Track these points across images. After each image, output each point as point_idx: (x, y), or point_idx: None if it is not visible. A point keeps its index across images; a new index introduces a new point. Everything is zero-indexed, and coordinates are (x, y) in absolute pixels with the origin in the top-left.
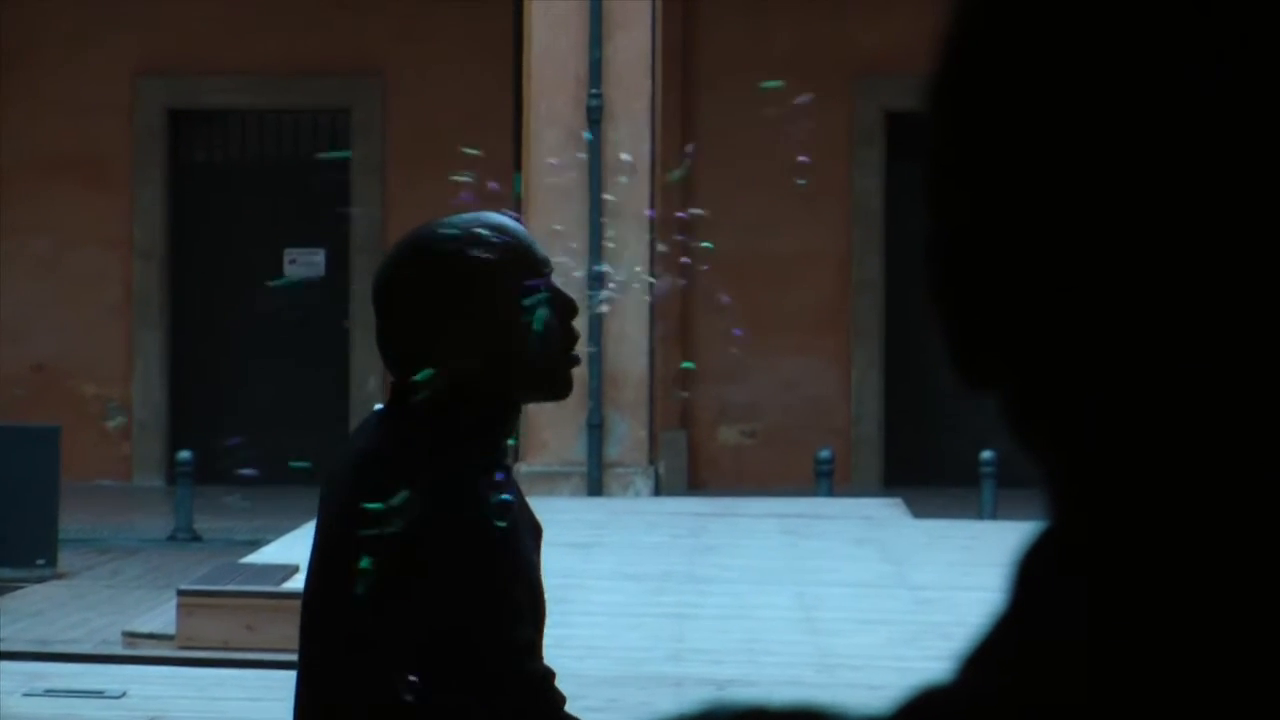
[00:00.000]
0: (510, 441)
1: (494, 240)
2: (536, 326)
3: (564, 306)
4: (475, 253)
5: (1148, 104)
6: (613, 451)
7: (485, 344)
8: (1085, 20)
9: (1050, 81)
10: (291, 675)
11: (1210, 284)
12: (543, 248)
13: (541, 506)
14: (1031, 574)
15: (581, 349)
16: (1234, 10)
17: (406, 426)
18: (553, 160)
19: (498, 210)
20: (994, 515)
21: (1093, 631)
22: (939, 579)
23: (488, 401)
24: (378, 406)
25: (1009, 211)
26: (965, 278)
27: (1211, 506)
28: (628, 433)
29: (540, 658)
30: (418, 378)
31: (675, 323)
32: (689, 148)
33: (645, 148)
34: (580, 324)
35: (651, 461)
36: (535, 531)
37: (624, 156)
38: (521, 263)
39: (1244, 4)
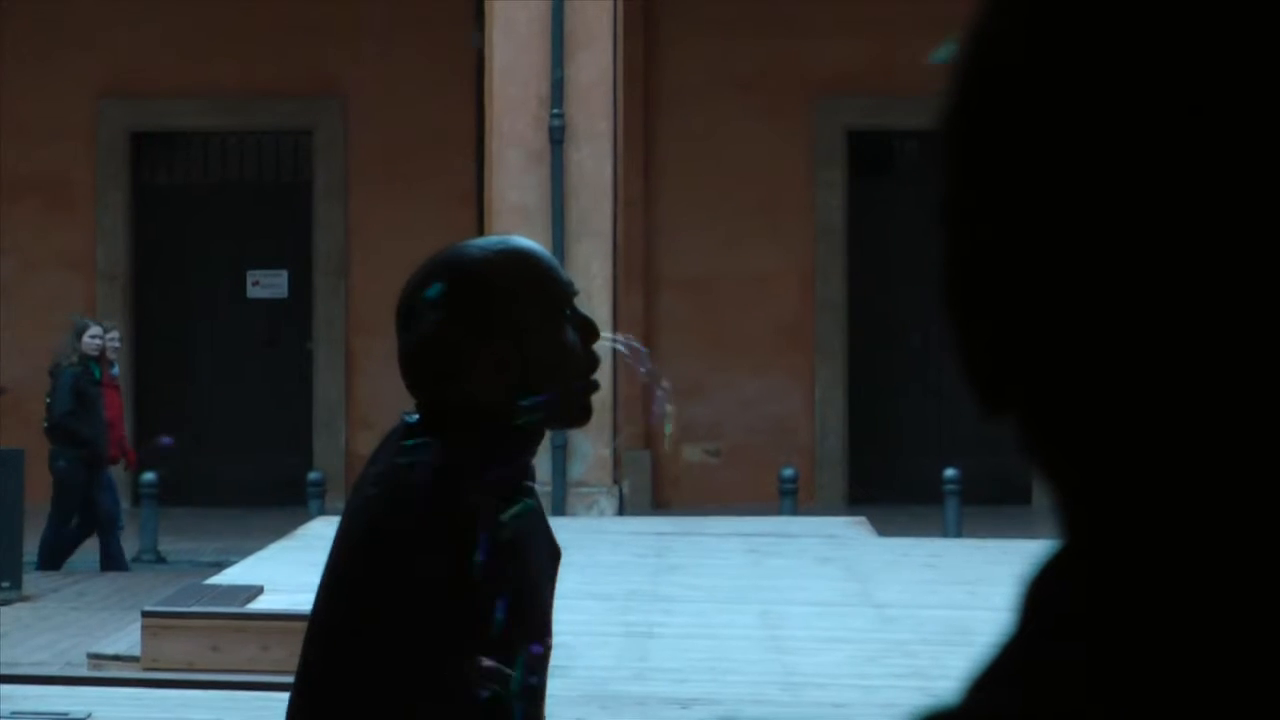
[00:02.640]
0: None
1: (521, 264)
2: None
3: (585, 329)
4: (503, 275)
5: (1172, 128)
6: (576, 471)
7: (510, 366)
8: (1112, 41)
9: (1073, 102)
10: (257, 695)
11: (1235, 305)
12: (567, 272)
13: None
14: (1042, 595)
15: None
16: (1256, 45)
17: (435, 450)
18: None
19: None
20: (958, 533)
21: (1105, 652)
22: (903, 597)
23: (513, 426)
24: (407, 417)
25: (1029, 232)
26: (983, 299)
27: (1233, 529)
28: (591, 452)
29: (540, 702)
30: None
31: (639, 340)
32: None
33: (607, 167)
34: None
35: (615, 481)
36: (554, 555)
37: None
38: (548, 287)
39: (1263, 43)
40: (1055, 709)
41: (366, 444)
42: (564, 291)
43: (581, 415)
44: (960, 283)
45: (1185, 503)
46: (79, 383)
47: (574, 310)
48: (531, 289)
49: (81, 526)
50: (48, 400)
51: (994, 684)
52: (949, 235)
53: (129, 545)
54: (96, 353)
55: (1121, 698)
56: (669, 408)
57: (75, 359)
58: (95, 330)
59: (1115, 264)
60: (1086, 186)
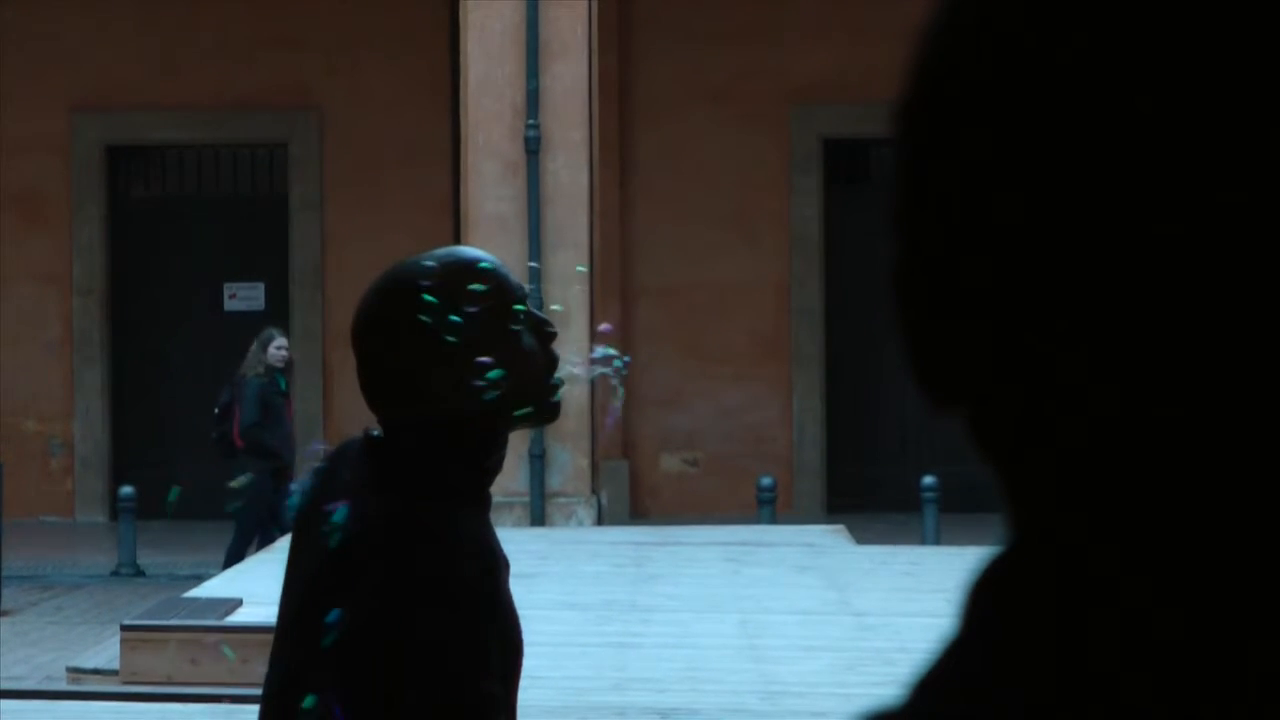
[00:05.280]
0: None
1: (468, 274)
2: None
3: (541, 329)
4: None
5: (1125, 125)
6: (554, 481)
7: (470, 379)
8: (1064, 42)
9: (1025, 103)
10: (235, 708)
11: (1184, 300)
12: (518, 278)
13: None
14: (984, 597)
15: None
16: (1220, 47)
17: (396, 463)
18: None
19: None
20: (936, 541)
21: (1040, 656)
22: (881, 605)
23: (477, 435)
24: (373, 432)
25: (978, 229)
26: (932, 295)
27: (1177, 527)
28: (569, 462)
29: (506, 711)
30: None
31: (616, 349)
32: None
33: (583, 177)
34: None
35: (594, 491)
36: (504, 566)
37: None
38: (501, 294)
39: (1230, 48)
40: (991, 713)
41: None
42: (514, 295)
43: (550, 413)
44: (907, 277)
45: (1127, 509)
46: (265, 394)
47: (528, 312)
48: (484, 299)
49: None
50: (215, 411)
51: (934, 686)
52: (897, 230)
53: (106, 559)
54: (282, 364)
55: (1054, 702)
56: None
57: (261, 370)
58: (281, 341)
59: (1068, 263)
60: (1042, 182)
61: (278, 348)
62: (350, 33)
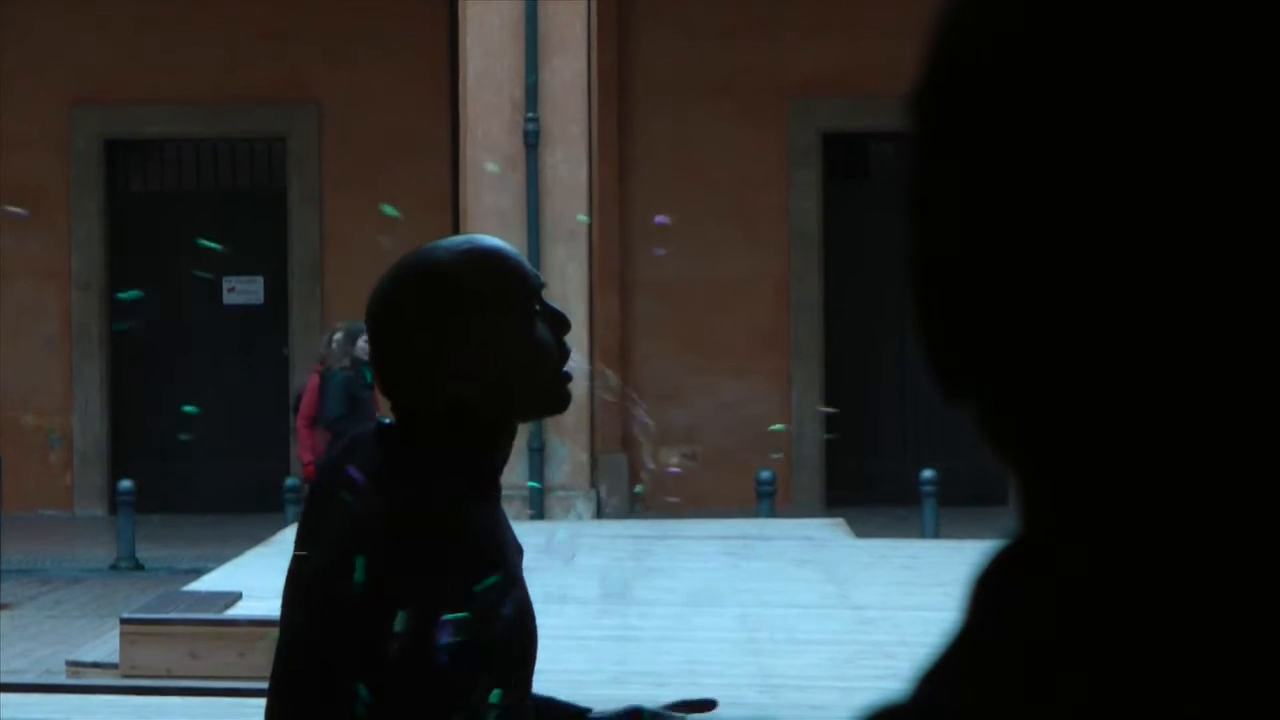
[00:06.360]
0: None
1: (487, 264)
2: None
3: (556, 321)
4: (470, 276)
5: (1137, 119)
6: (554, 475)
7: (484, 367)
8: (1078, 34)
9: (1040, 93)
10: (235, 702)
11: (1191, 294)
12: (534, 268)
13: None
14: (990, 588)
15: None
16: (1231, 36)
17: (408, 452)
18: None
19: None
20: (935, 534)
21: (1045, 648)
22: (881, 599)
23: (488, 425)
24: (383, 420)
25: (992, 220)
26: (946, 286)
27: (1185, 517)
28: (569, 456)
29: (520, 700)
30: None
31: (615, 344)
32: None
33: (582, 172)
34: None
35: (593, 484)
36: (518, 552)
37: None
38: (516, 285)
39: (1240, 37)
40: (996, 705)
41: None
42: (532, 287)
43: (561, 403)
44: (920, 268)
45: (1129, 506)
46: (351, 387)
47: (543, 304)
48: (499, 289)
49: None
50: (291, 409)
51: (940, 679)
52: (915, 220)
53: (105, 553)
54: (368, 357)
55: (1059, 695)
56: (648, 422)
57: (347, 363)
58: None
59: (1079, 253)
60: (1054, 174)
61: (365, 340)
62: (349, 27)
